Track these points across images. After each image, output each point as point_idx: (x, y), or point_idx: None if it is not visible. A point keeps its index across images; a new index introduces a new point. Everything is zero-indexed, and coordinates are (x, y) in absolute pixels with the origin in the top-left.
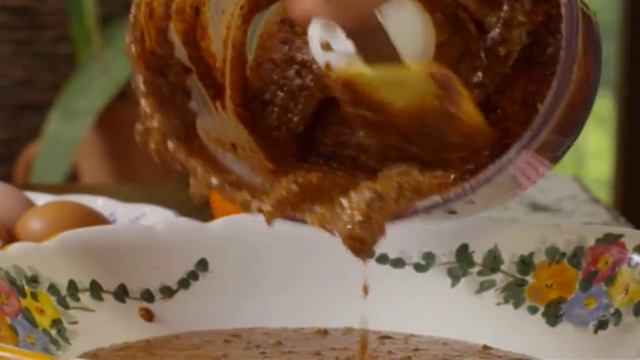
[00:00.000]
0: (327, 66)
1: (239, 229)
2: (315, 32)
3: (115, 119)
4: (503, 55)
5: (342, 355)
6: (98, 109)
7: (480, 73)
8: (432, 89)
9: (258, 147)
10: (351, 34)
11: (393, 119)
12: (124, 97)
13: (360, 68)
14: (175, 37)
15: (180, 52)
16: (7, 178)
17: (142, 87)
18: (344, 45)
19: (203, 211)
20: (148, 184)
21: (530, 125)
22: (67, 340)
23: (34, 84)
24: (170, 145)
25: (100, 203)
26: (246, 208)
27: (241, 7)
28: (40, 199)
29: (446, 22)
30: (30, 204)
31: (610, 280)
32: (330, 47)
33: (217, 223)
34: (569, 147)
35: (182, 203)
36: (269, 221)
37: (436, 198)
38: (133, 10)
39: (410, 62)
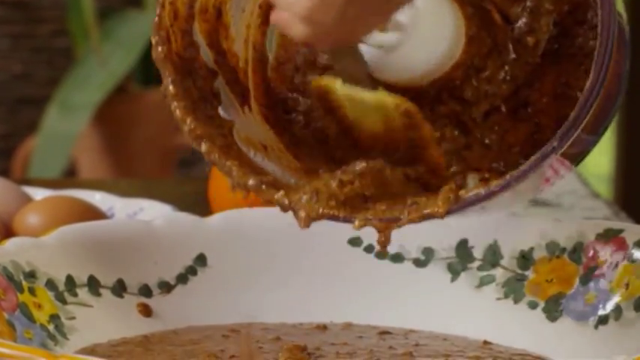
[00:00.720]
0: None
1: (238, 223)
2: None
3: (113, 114)
4: (532, 45)
5: (343, 350)
6: (96, 103)
7: (507, 67)
8: (398, 119)
9: (286, 147)
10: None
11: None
12: (123, 91)
13: (331, 82)
14: (200, 39)
15: (206, 55)
16: (5, 173)
17: (171, 88)
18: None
19: (201, 206)
20: (146, 178)
21: (567, 119)
22: (64, 336)
23: (31, 78)
24: (204, 146)
25: (97, 198)
26: (284, 208)
27: (260, 7)
28: (38, 193)
29: (475, 15)
30: (28, 199)
31: (610, 275)
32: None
33: (216, 218)
34: (593, 147)
35: (180, 198)
36: (306, 224)
37: (479, 190)
38: (157, 10)
39: (381, 91)
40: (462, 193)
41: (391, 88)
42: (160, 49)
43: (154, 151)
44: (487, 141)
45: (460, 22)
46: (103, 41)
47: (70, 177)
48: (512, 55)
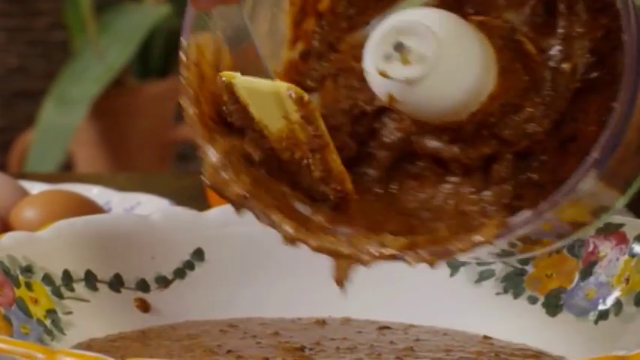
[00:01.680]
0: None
1: (235, 218)
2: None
3: (110, 107)
4: (570, 71)
5: (343, 346)
6: (93, 96)
7: (547, 99)
8: (294, 111)
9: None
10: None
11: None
12: (120, 84)
13: (231, 76)
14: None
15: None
16: (1, 167)
17: (213, 159)
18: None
19: (199, 200)
20: (143, 172)
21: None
22: (61, 331)
23: (28, 72)
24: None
25: (95, 192)
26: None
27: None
28: (35, 188)
29: (505, 46)
30: (24, 193)
31: (610, 269)
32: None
33: (214, 212)
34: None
35: (178, 192)
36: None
37: (527, 213)
38: (183, 73)
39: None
40: (510, 219)
41: (427, 126)
42: (189, 110)
43: (151, 144)
44: (537, 178)
45: (489, 53)
46: (100, 34)
47: (66, 171)
48: (549, 86)
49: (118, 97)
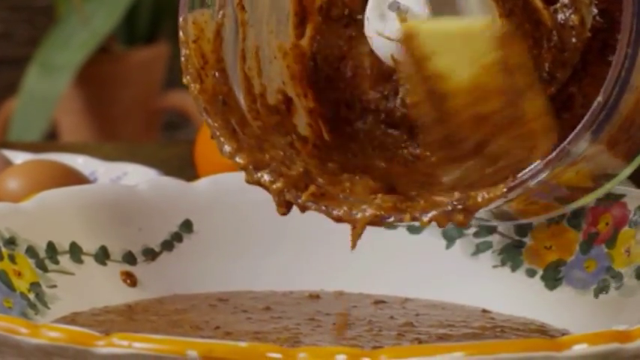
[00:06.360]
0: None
1: (225, 188)
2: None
3: (95, 74)
4: (579, 23)
5: (340, 321)
6: (78, 63)
7: (555, 57)
8: (494, 54)
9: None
10: None
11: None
12: (106, 51)
13: (416, 22)
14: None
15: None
16: None
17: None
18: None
19: (187, 170)
20: (130, 141)
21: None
22: (45, 305)
23: (11, 38)
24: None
25: (80, 162)
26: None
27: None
28: (18, 157)
29: (515, 6)
30: (7, 163)
31: (611, 241)
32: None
33: (202, 183)
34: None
35: (166, 162)
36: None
37: (537, 164)
38: (182, 50)
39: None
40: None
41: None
42: (192, 86)
43: (138, 113)
44: None
45: (489, 6)
46: None
47: (51, 140)
48: (560, 40)
49: (104, 63)
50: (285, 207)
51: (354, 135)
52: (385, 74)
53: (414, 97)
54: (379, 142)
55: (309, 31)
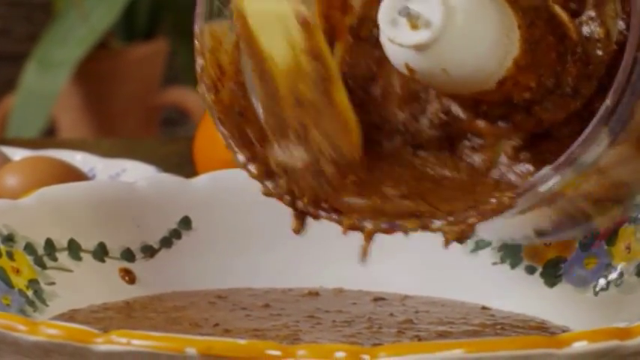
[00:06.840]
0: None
1: (224, 185)
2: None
3: (94, 70)
4: (604, 36)
5: (339, 319)
6: (77, 59)
7: (580, 70)
8: (300, 39)
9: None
10: None
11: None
12: (104, 47)
13: (245, 1)
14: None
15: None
16: None
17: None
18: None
19: (186, 167)
20: (128, 138)
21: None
22: (44, 302)
23: (9, 34)
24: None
25: (78, 158)
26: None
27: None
28: (16, 154)
29: (538, 18)
30: (5, 159)
31: (611, 238)
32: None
33: (201, 180)
34: None
35: (164, 158)
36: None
37: (547, 170)
38: (198, 60)
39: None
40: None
41: (457, 98)
42: (207, 96)
43: (136, 109)
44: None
45: (508, 16)
46: None
47: (49, 137)
48: (586, 54)
49: (103, 60)
50: (299, 219)
51: (383, 155)
52: (414, 94)
53: (255, 79)
54: (408, 162)
55: (338, 51)
